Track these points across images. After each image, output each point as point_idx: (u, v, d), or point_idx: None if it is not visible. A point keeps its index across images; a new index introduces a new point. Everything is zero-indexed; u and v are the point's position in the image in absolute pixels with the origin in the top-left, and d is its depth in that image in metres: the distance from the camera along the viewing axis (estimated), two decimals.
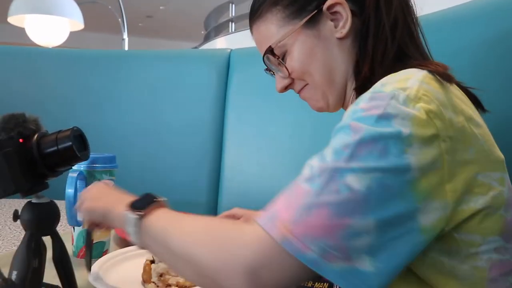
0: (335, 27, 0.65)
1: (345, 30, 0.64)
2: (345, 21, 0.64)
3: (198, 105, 1.56)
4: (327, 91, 0.68)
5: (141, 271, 0.74)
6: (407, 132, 0.45)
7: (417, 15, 0.67)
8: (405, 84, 0.49)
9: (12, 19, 3.22)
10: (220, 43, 5.08)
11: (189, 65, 1.64)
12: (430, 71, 0.52)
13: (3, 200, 1.33)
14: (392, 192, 0.43)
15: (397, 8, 0.63)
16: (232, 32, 5.13)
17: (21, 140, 0.51)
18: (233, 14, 5.04)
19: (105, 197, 0.61)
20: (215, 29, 5.82)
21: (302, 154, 1.10)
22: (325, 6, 0.64)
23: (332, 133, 0.50)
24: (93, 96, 1.67)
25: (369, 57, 0.62)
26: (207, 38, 5.87)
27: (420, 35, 0.66)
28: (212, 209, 1.51)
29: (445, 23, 0.99)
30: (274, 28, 0.67)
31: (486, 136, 0.53)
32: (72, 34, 3.56)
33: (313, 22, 0.65)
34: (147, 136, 1.60)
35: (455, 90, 0.54)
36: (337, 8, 0.64)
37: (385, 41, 0.62)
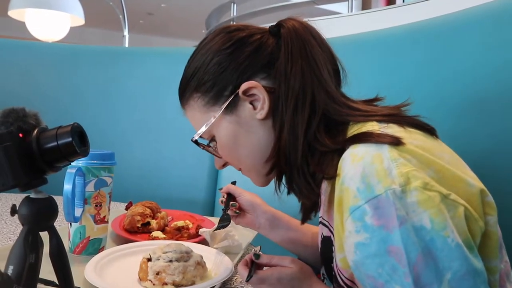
0: (254, 109, 0.63)
1: (264, 112, 0.63)
2: (263, 102, 0.62)
3: None
4: (261, 171, 0.67)
5: (138, 268, 0.74)
6: (427, 223, 0.46)
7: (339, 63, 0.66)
8: (387, 176, 0.48)
9: (13, 13, 3.21)
10: None
11: None
12: (389, 144, 0.51)
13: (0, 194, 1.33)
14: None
15: (305, 78, 0.60)
16: None
17: (20, 135, 0.51)
18: (235, 14, 5.03)
19: None
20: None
21: None
22: (240, 91, 0.63)
23: (352, 258, 0.51)
24: (93, 92, 1.67)
25: (287, 134, 0.60)
26: None
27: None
28: (210, 207, 1.51)
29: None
30: (198, 114, 0.67)
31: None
32: (73, 29, 3.55)
33: (232, 107, 0.64)
34: (147, 133, 1.60)
35: (413, 140, 0.53)
36: (253, 91, 0.63)
37: (296, 114, 0.60)
